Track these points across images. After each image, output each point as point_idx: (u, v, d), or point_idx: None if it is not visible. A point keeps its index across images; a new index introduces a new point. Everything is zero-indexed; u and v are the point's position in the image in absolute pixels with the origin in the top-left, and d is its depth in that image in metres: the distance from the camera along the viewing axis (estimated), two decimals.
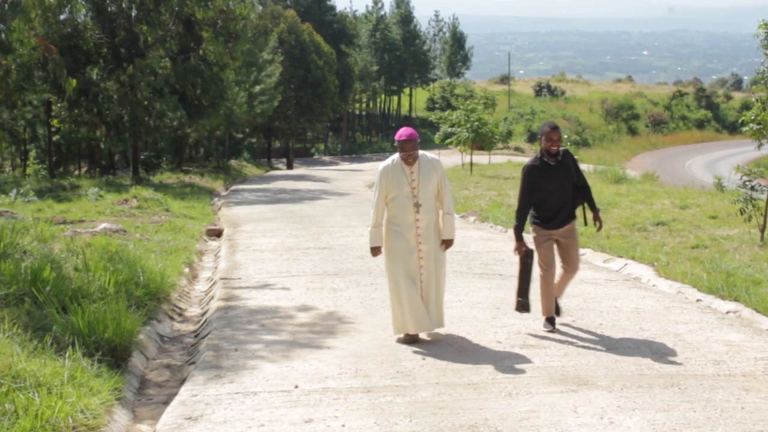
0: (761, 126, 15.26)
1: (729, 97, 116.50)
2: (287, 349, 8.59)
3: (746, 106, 60.80)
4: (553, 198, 9.26)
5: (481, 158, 43.77)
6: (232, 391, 7.21)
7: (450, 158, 47.24)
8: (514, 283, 12.22)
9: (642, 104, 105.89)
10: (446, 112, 39.37)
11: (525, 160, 50.92)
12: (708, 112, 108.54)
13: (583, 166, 44.36)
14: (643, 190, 27.04)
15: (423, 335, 9.08)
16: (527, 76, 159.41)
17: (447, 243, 9.04)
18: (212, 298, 11.59)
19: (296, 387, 7.32)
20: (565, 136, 25.54)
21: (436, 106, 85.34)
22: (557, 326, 9.51)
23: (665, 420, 6.53)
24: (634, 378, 7.58)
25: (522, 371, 7.81)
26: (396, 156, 8.99)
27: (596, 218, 9.64)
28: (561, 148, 9.37)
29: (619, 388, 7.31)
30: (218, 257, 15.38)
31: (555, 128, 9.25)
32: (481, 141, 37.34)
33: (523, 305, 9.36)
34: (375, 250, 8.99)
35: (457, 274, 12.82)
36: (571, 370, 7.86)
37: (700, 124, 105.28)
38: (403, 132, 8.92)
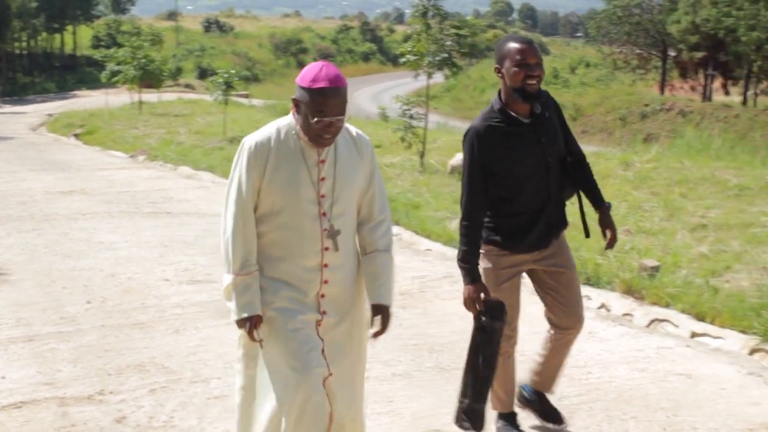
0: (418, 57, 16.00)
1: (392, 31, 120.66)
2: None
3: (406, 39, 63.25)
4: (530, 186, 4.71)
5: (150, 96, 42.70)
6: None
7: (119, 97, 45.86)
8: (186, 220, 12.23)
9: (310, 38, 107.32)
10: (112, 50, 38.46)
11: (196, 96, 49.79)
12: (373, 45, 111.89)
13: (254, 102, 44.66)
14: None
15: None
16: (196, 12, 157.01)
17: (384, 315, 4.12)
18: None
19: None
20: (233, 71, 25.44)
21: (102, 44, 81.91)
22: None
23: None
24: None
25: (189, 307, 7.83)
26: (284, 124, 4.04)
27: (604, 222, 4.86)
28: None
29: None
30: None
31: (529, 43, 4.57)
32: (150, 78, 36.72)
33: (470, 414, 4.63)
34: (248, 323, 4.07)
35: (124, 214, 12.60)
36: None
37: (366, 57, 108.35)
38: (323, 73, 4.01)
